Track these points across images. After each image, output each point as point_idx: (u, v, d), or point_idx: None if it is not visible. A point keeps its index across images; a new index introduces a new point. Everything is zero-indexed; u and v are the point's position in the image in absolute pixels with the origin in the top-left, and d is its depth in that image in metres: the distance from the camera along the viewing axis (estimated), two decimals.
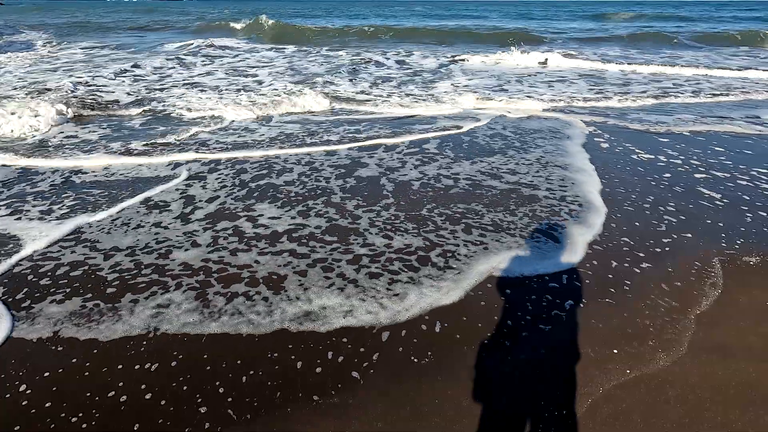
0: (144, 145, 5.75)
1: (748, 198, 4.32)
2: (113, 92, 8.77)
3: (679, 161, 5.32)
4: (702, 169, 5.07)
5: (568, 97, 8.80)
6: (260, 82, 9.98)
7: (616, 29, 24.46)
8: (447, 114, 7.57)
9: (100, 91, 8.77)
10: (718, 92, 9.34)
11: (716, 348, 2.49)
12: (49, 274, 3.06)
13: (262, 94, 8.42)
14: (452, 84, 10.01)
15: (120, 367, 2.31)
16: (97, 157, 5.33)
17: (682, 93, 9.29)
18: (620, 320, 2.68)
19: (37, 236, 3.54)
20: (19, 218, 3.85)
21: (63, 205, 4.09)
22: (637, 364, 2.36)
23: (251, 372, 2.29)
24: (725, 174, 4.92)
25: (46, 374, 2.27)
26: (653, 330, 2.60)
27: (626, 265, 3.23)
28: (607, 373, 2.30)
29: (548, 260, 3.28)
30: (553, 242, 3.52)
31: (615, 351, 2.44)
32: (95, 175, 4.80)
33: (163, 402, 2.12)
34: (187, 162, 5.21)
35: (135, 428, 2.00)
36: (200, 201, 4.21)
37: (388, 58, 13.87)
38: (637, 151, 5.71)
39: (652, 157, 5.47)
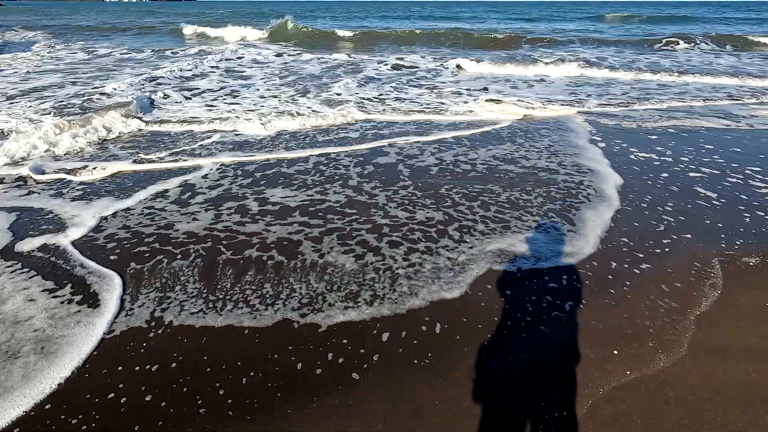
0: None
1: (745, 197, 4.33)
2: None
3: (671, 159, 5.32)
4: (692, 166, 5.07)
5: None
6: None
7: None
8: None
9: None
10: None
11: (716, 349, 2.49)
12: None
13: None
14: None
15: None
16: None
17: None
18: (620, 321, 2.68)
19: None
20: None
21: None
22: (637, 365, 2.36)
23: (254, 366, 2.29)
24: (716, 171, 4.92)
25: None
26: (653, 331, 2.60)
27: (626, 265, 3.23)
28: (607, 374, 2.30)
29: (548, 261, 3.28)
30: (554, 243, 3.53)
31: (615, 352, 2.44)
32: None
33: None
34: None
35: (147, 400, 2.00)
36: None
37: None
38: (631, 149, 5.72)
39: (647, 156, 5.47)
